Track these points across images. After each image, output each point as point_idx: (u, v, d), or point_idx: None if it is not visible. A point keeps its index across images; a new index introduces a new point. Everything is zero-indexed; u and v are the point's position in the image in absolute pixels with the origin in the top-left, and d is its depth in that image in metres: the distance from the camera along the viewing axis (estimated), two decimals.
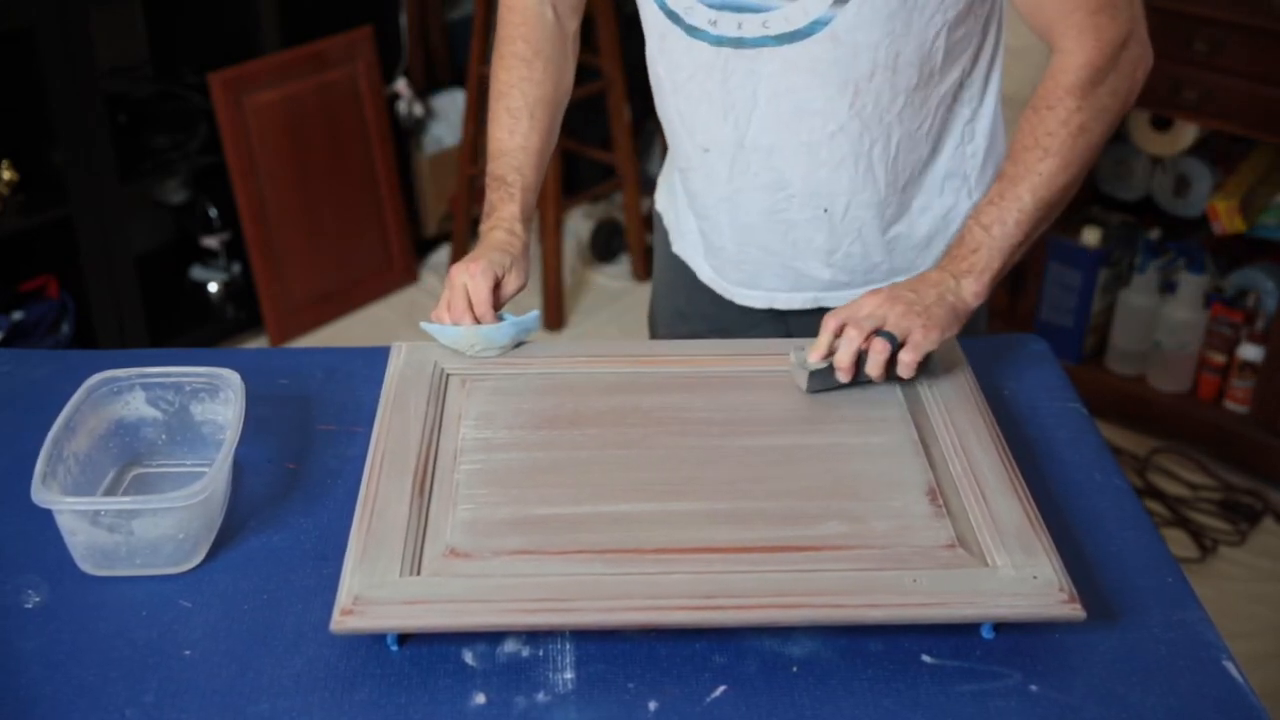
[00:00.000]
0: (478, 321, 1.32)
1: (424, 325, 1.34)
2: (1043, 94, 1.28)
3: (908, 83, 1.31)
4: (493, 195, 1.42)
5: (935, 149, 1.39)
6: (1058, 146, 1.27)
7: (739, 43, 1.31)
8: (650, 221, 1.66)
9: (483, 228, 1.41)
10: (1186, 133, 2.73)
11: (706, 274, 1.55)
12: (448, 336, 1.32)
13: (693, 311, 1.60)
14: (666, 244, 1.62)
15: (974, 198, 1.42)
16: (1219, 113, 2.58)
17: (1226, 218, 2.71)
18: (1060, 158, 1.27)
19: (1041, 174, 1.27)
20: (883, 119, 1.33)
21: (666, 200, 1.61)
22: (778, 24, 1.28)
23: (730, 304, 1.54)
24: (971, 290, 1.28)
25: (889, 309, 1.24)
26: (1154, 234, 2.90)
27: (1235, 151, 2.84)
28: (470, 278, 1.32)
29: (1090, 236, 2.84)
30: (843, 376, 1.25)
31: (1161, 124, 2.76)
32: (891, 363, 1.24)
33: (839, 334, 1.25)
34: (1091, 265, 2.85)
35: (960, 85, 1.36)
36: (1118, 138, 2.91)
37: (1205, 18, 2.51)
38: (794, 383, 1.28)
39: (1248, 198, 2.73)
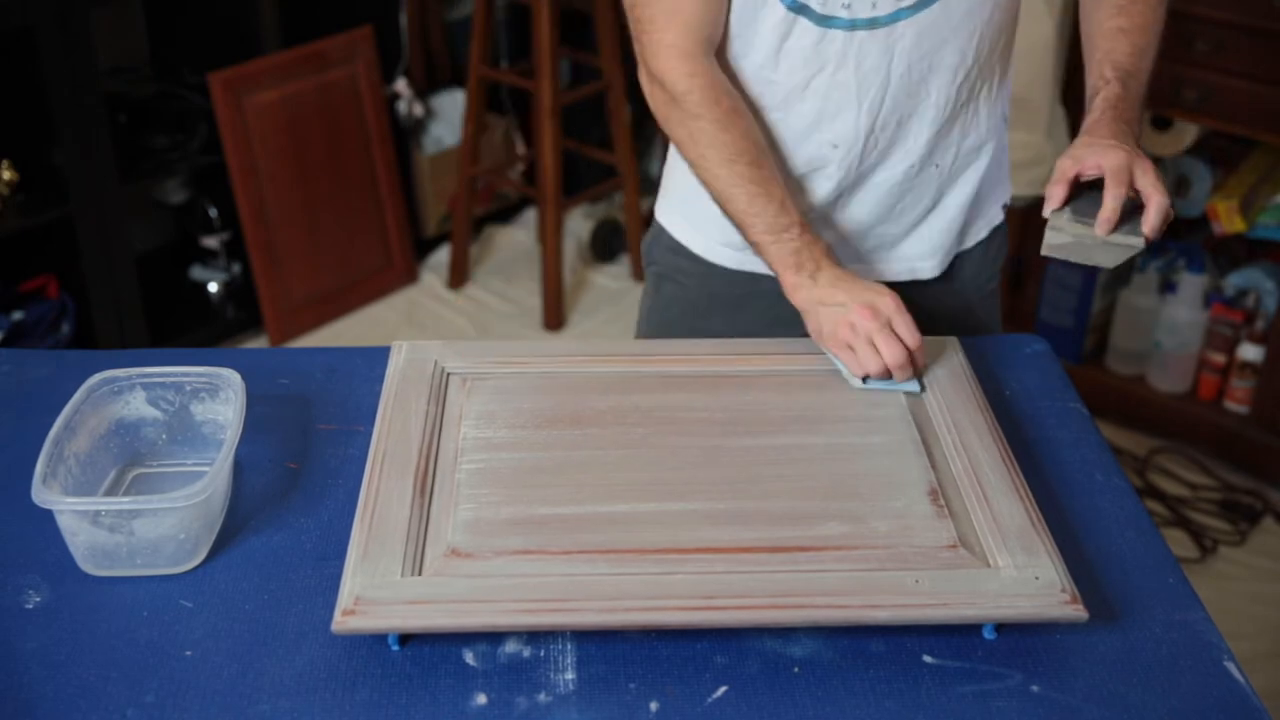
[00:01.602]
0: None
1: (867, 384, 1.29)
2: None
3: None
4: (795, 242, 1.32)
5: (1004, 70, 1.43)
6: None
7: (873, 23, 1.31)
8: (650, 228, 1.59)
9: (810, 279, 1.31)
10: (1186, 133, 2.73)
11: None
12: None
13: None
14: (704, 282, 1.52)
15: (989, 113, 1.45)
16: (1219, 113, 2.58)
17: (1226, 218, 2.71)
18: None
19: (1157, 27, 1.35)
20: (991, 54, 1.38)
21: (720, 234, 1.48)
22: None
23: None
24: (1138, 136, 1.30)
25: (1129, 158, 1.23)
26: None
27: (1235, 151, 2.84)
28: (897, 311, 1.27)
29: None
30: (1102, 230, 1.23)
31: (1161, 124, 2.76)
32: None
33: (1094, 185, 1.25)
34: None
35: None
36: None
37: (1205, 18, 2.51)
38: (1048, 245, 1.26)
39: (1248, 198, 2.73)
